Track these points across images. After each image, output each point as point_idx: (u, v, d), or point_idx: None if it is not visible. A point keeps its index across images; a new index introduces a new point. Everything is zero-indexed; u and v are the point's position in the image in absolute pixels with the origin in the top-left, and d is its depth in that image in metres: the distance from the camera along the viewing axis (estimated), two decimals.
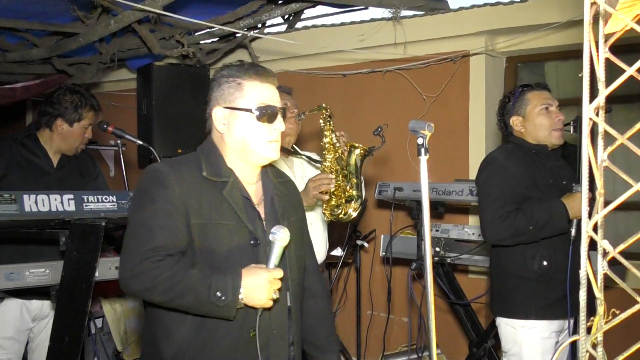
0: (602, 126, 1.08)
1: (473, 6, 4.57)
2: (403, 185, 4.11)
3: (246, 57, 5.25)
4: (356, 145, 3.15)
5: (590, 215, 1.08)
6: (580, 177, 1.08)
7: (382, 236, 4.43)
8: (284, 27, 5.38)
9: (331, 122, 3.24)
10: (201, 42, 4.97)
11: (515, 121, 3.08)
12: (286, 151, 3.41)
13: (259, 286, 1.88)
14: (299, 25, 5.33)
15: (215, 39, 4.96)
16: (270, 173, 2.18)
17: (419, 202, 4.03)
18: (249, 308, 1.92)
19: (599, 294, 1.06)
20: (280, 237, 1.94)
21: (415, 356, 4.22)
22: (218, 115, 2.03)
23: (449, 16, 4.66)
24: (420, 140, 2.08)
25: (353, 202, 3.09)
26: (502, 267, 3.05)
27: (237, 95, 2.01)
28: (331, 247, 3.87)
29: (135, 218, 1.95)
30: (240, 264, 1.94)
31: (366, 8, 4.54)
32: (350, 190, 3.10)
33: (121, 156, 3.43)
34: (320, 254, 3.33)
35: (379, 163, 4.78)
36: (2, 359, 3.13)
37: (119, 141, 3.42)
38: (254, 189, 2.10)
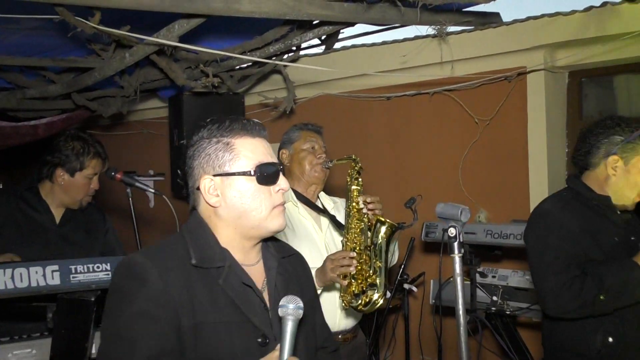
0: None
1: (529, 18, 4.05)
2: None
3: (280, 82, 4.88)
4: (383, 219, 2.74)
5: None
6: None
7: (431, 281, 3.97)
8: (321, 48, 4.97)
9: (360, 180, 2.85)
10: (232, 68, 4.60)
11: (614, 161, 2.50)
12: (311, 205, 3.01)
13: None
14: (337, 45, 4.91)
15: (245, 65, 4.59)
16: (272, 248, 1.82)
17: (471, 246, 3.57)
18: None
19: None
20: (292, 310, 1.54)
21: None
22: (207, 186, 1.68)
23: (501, 30, 4.16)
24: (452, 231, 1.62)
25: (377, 289, 2.65)
26: (556, 340, 2.54)
27: (227, 157, 1.68)
28: None
29: (110, 327, 1.58)
30: None
31: (402, 26, 4.08)
32: (373, 277, 2.66)
33: (131, 206, 3.08)
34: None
35: (426, 200, 4.31)
36: None
37: (128, 190, 3.08)
38: (255, 271, 1.74)
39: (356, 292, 2.67)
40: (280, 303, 1.57)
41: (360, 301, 2.67)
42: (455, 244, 1.62)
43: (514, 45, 4.14)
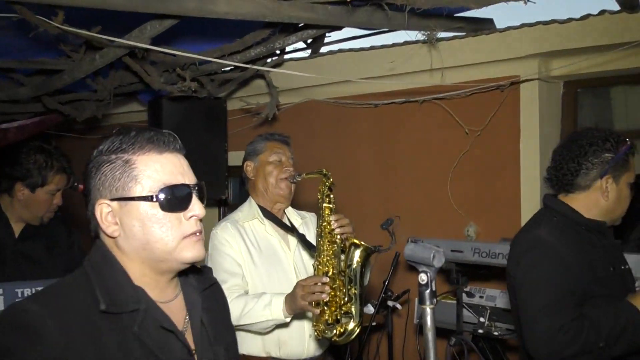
0: None
1: (523, 25, 3.87)
2: (439, 242, 3.44)
3: (263, 87, 4.69)
4: (357, 242, 2.54)
5: None
6: None
7: (416, 299, 3.76)
8: (307, 52, 4.78)
9: (331, 197, 2.65)
10: (213, 72, 4.40)
11: (605, 183, 2.26)
12: (278, 222, 2.82)
13: None
14: (324, 49, 4.71)
15: (228, 69, 4.39)
16: (192, 279, 1.55)
17: (457, 264, 3.39)
18: None
19: None
20: None
21: None
22: (104, 212, 1.40)
23: (494, 37, 3.97)
24: (423, 278, 1.40)
25: (352, 318, 2.45)
26: None
27: (127, 179, 1.39)
28: None
29: None
30: None
31: (390, 31, 3.90)
32: (349, 304, 2.46)
33: None
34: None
35: (413, 213, 4.12)
36: None
37: None
38: (173, 308, 1.47)
39: (330, 321, 2.47)
40: None
41: (335, 331, 2.47)
42: (427, 292, 1.39)
43: (507, 53, 3.96)
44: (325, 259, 2.57)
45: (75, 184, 2.83)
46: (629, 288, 2.25)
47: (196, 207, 1.44)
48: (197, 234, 1.44)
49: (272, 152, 2.86)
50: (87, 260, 1.45)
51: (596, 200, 2.28)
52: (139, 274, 1.43)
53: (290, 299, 2.48)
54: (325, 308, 2.47)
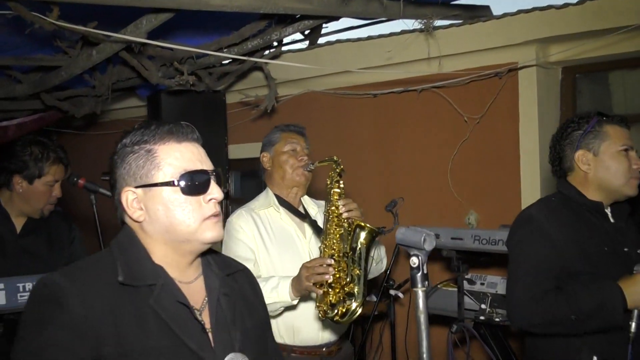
0: None
1: (520, 11, 3.86)
2: (440, 231, 3.45)
3: (262, 79, 4.68)
4: (362, 224, 2.56)
5: None
6: None
7: None
8: (305, 43, 4.77)
9: (341, 183, 2.70)
10: (211, 66, 4.40)
11: (581, 157, 2.37)
12: (294, 211, 2.88)
13: None
14: (322, 40, 4.71)
15: (226, 62, 4.39)
16: (214, 264, 1.64)
17: (458, 252, 3.39)
18: None
19: None
20: None
21: None
22: (130, 199, 1.52)
23: (491, 24, 3.97)
24: (415, 261, 1.39)
25: (354, 299, 2.47)
26: (537, 355, 2.37)
27: (149, 167, 1.52)
28: None
29: (18, 353, 1.40)
30: None
31: (388, 20, 3.89)
32: (351, 285, 2.47)
33: (95, 214, 2.89)
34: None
35: (413, 202, 4.12)
36: None
37: (92, 197, 2.88)
38: (193, 289, 1.56)
39: (333, 301, 2.49)
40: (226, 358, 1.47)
41: (336, 311, 2.49)
42: (419, 275, 1.39)
43: (504, 40, 3.96)
44: (331, 242, 2.60)
45: (75, 179, 2.84)
46: (628, 270, 2.26)
47: (214, 190, 1.54)
48: (216, 215, 1.55)
49: (286, 142, 2.91)
50: (114, 240, 1.56)
51: (584, 177, 2.38)
52: (161, 255, 1.54)
53: (296, 281, 2.52)
54: (330, 289, 2.49)
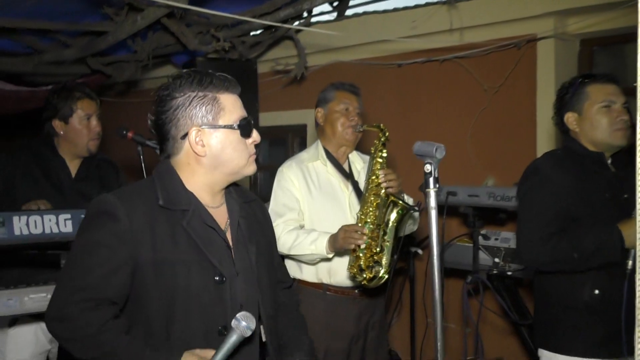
0: None
1: None
2: (457, 189, 3.69)
3: (292, 49, 4.92)
4: (396, 200, 2.78)
5: None
6: None
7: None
8: (333, 15, 5.00)
9: (384, 152, 2.92)
10: (244, 35, 4.66)
11: (569, 118, 2.64)
12: (339, 168, 3.10)
13: None
14: (349, 12, 4.94)
15: (258, 31, 4.64)
16: (234, 193, 1.96)
17: (474, 208, 3.63)
18: None
19: None
20: (243, 327, 1.64)
21: None
22: (194, 136, 1.80)
23: None
24: (428, 168, 1.67)
25: (382, 267, 2.72)
26: (545, 293, 2.65)
27: (215, 111, 1.81)
28: None
29: (74, 249, 1.77)
30: (201, 307, 1.74)
31: None
32: (380, 255, 2.74)
33: (142, 164, 3.16)
34: None
35: None
36: None
37: (139, 148, 3.16)
38: (219, 213, 1.89)
39: (363, 267, 2.75)
40: (237, 316, 1.67)
41: (365, 275, 2.75)
42: (431, 179, 1.71)
43: (523, 12, 4.13)
44: (368, 210, 2.82)
45: (124, 131, 3.10)
46: (628, 215, 2.49)
47: (255, 134, 1.88)
48: (254, 154, 1.88)
49: (340, 101, 3.09)
50: (155, 171, 1.87)
51: (576, 135, 2.63)
52: (200, 183, 1.83)
53: (333, 239, 2.77)
54: (361, 255, 2.74)
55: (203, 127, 1.79)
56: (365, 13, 4.84)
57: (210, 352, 1.67)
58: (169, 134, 1.82)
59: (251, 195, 2.07)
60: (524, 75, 4.26)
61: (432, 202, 1.70)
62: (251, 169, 1.88)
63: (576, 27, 4.08)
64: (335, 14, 4.89)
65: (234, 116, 1.82)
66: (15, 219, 2.29)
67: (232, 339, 1.64)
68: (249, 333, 1.64)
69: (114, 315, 1.70)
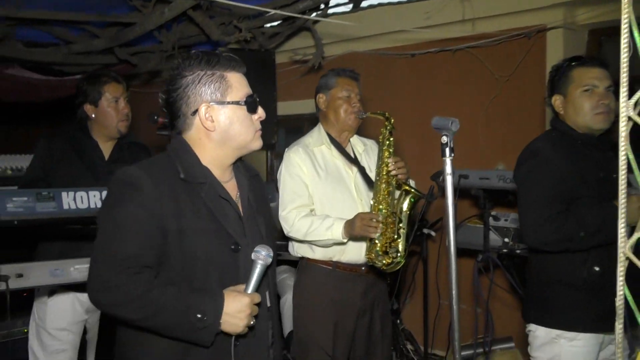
0: None
1: None
2: (469, 172, 3.86)
3: (309, 40, 5.11)
4: (408, 188, 2.93)
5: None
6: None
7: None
8: (349, 6, 5.17)
9: (391, 140, 3.04)
10: (264, 25, 4.84)
11: (556, 100, 2.71)
12: (344, 153, 3.23)
13: (239, 312, 1.80)
14: (364, 3, 5.11)
15: (276, 22, 4.83)
16: (241, 168, 2.10)
17: (485, 191, 3.80)
18: (223, 335, 1.83)
19: None
20: (264, 256, 1.84)
21: (481, 350, 4.00)
22: (204, 112, 1.91)
23: None
24: (444, 139, 1.86)
25: (398, 253, 2.89)
26: (544, 271, 2.70)
27: (223, 88, 1.90)
28: None
29: (106, 223, 1.83)
30: (219, 272, 1.87)
31: None
32: (397, 241, 2.90)
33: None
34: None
35: None
36: (57, 349, 3.17)
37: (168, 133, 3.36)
38: (229, 186, 2.02)
39: (380, 252, 2.89)
40: (256, 248, 1.84)
41: (383, 261, 2.88)
42: (447, 149, 1.89)
43: (533, 3, 4.29)
44: (381, 198, 2.95)
45: (155, 117, 3.30)
46: None
47: (260, 110, 1.97)
48: (260, 130, 2.00)
49: (342, 88, 3.20)
50: (169, 147, 1.96)
51: (564, 117, 2.70)
52: (211, 158, 1.93)
53: (349, 225, 2.90)
54: (377, 242, 2.89)
55: (212, 103, 1.88)
56: (380, 4, 5.01)
57: (241, 287, 1.84)
58: (180, 110, 1.92)
59: (254, 170, 2.20)
60: (533, 64, 4.41)
61: (448, 168, 1.88)
62: (257, 143, 1.98)
63: (584, 17, 4.22)
64: (351, 6, 5.06)
65: (241, 93, 1.90)
66: (64, 194, 2.50)
67: (257, 270, 1.83)
68: (269, 260, 1.84)
69: (154, 277, 1.83)
